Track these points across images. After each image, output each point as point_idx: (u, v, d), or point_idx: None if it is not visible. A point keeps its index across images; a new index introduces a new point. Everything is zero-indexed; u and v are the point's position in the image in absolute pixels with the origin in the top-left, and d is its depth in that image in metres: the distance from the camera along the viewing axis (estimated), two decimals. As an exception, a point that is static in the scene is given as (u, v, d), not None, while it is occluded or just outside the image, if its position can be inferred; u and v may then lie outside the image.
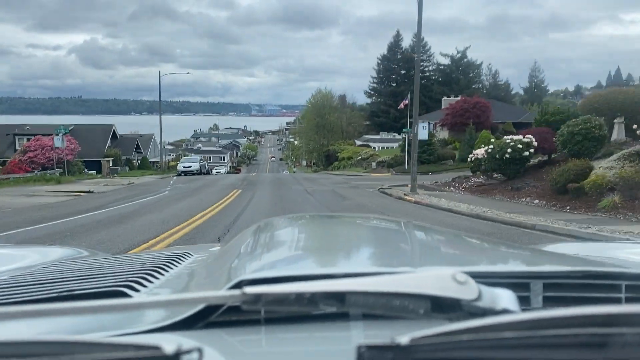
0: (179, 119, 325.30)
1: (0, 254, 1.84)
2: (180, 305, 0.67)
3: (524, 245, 1.81)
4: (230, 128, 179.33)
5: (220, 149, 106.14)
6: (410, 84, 78.52)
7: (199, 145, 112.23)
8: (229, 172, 65.48)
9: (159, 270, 1.09)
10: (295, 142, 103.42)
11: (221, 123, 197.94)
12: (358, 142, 52.85)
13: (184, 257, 1.30)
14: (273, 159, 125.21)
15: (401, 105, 53.60)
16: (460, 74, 74.05)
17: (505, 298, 0.58)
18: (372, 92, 77.68)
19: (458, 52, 74.51)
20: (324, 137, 74.76)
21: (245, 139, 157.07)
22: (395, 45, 76.65)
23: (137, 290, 0.91)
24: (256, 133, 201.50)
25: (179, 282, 1.04)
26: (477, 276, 0.58)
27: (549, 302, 0.77)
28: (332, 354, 0.59)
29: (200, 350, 0.45)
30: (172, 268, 1.15)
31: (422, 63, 77.20)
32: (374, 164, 35.32)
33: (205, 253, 1.44)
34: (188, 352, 0.44)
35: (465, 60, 74.10)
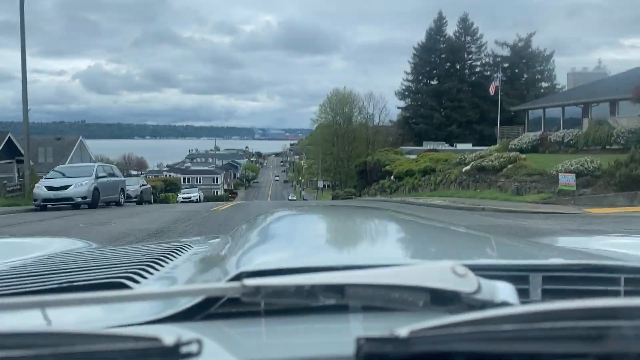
0: (182, 143, 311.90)
1: (0, 244, 1.85)
2: (179, 297, 0.67)
3: (524, 238, 1.72)
4: (230, 149, 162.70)
5: (213, 168, 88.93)
6: (458, 80, 58.35)
7: (188, 164, 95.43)
8: (211, 198, 47.97)
9: (159, 262, 1.09)
10: (302, 162, 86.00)
11: (224, 146, 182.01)
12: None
13: (184, 249, 1.30)
14: (277, 178, 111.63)
15: (491, 89, 36.25)
16: (524, 67, 55.65)
17: (504, 291, 0.58)
18: (407, 93, 59.31)
19: (520, 40, 56.28)
20: (344, 150, 56.41)
21: (246, 160, 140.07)
22: (436, 32, 58.75)
23: (137, 282, 0.92)
24: (259, 155, 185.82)
25: (179, 274, 1.04)
26: (476, 269, 0.58)
27: (548, 294, 0.76)
28: (331, 345, 0.59)
29: (199, 342, 0.45)
30: (172, 260, 1.15)
31: (470, 55, 59.01)
32: (568, 179, 13.96)
33: (206, 245, 1.43)
34: (187, 343, 0.44)
35: (529, 50, 55.66)
